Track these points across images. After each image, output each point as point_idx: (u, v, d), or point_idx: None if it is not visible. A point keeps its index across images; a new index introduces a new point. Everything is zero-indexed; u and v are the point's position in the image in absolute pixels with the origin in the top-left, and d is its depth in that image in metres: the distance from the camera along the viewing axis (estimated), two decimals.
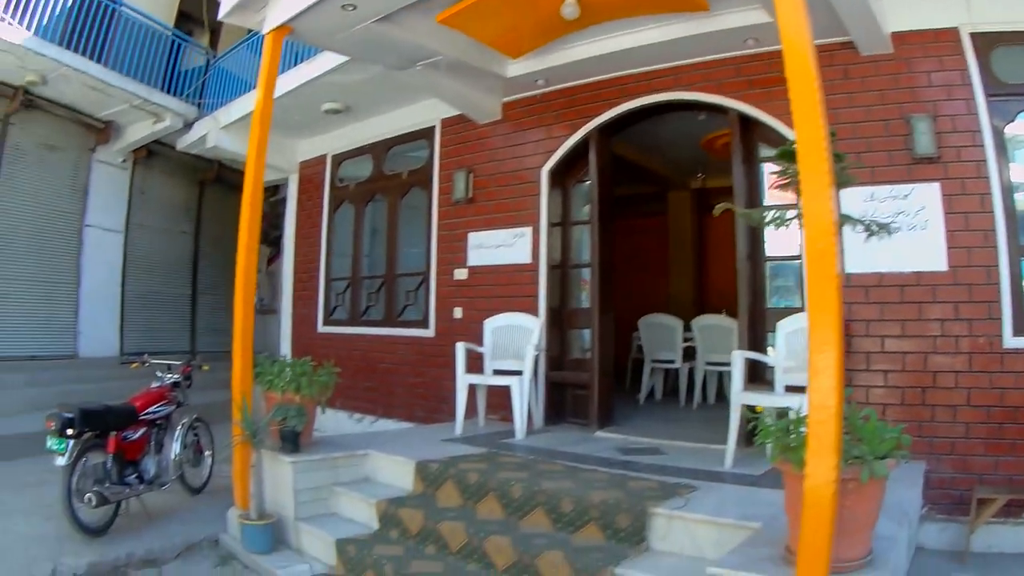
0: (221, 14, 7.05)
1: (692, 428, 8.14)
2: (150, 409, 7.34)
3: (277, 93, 9.62)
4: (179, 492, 7.71)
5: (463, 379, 7.84)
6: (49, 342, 12.61)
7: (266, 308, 16.17)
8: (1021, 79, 6.33)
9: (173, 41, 13.32)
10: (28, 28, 10.51)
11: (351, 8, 6.44)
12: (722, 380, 9.90)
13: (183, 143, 12.98)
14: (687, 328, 10.45)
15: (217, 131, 11.61)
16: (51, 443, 6.30)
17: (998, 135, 6.27)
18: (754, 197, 7.45)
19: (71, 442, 6.31)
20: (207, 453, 8.22)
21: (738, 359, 6.42)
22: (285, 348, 11.84)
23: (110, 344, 13.59)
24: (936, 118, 6.49)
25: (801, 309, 6.65)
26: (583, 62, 7.93)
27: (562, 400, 8.40)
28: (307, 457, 6.50)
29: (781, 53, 6.15)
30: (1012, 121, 6.36)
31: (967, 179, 6.26)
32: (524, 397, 7.61)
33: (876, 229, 4.78)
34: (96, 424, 6.58)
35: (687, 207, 14.24)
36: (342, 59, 8.32)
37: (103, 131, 13.28)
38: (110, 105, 12.53)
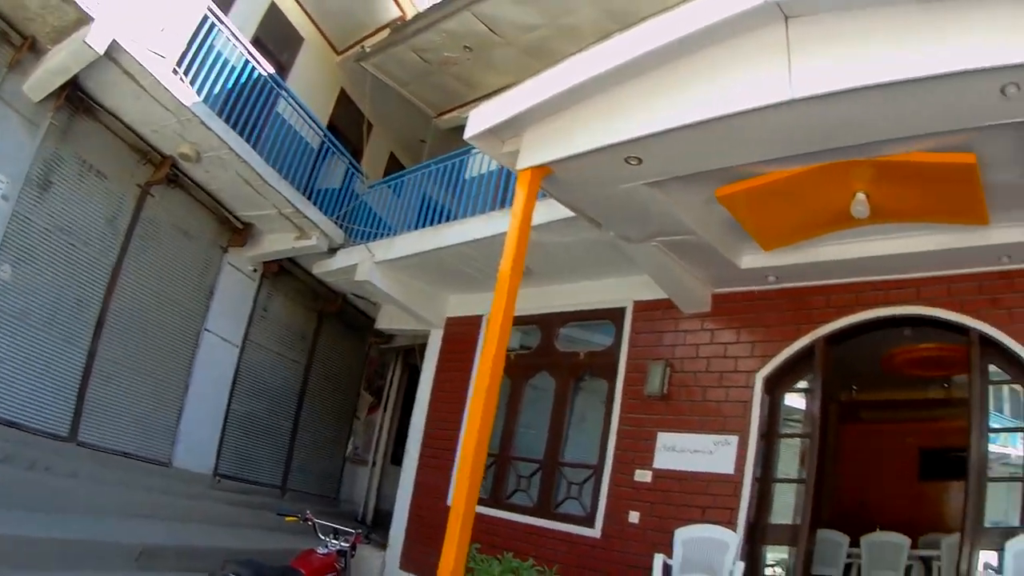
0: (468, 134, 6.56)
1: None
2: None
3: (449, 241, 9.62)
4: None
5: None
6: (145, 442, 11.71)
7: (358, 458, 16.13)
8: None
9: (320, 152, 12.57)
10: (198, 92, 9.77)
11: (635, 162, 5.99)
12: None
13: (322, 268, 12.41)
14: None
15: (370, 264, 10.98)
16: None
17: None
18: (984, 414, 7.30)
19: None
20: None
21: None
22: (401, 514, 11.13)
23: (206, 460, 12.83)
24: None
25: (1015, 527, 6.87)
26: (825, 263, 7.60)
27: None
28: None
29: None
30: None
31: None
32: None
33: None
34: None
35: (833, 418, 13.58)
36: (554, 215, 7.81)
37: (240, 232, 12.55)
38: (257, 206, 11.79)
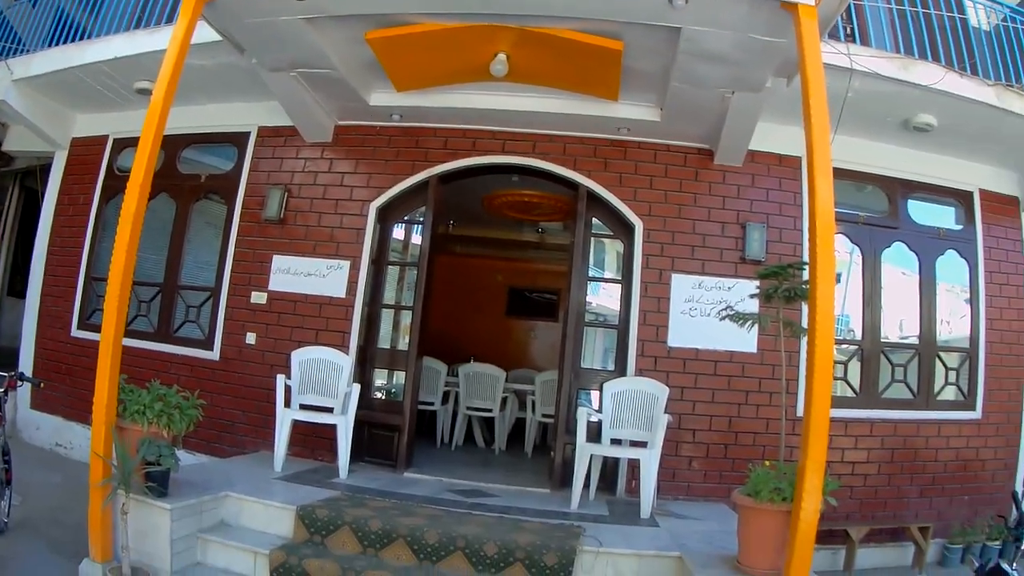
0: None
1: (488, 471, 8.86)
2: None
3: (91, 58, 8.99)
4: None
5: (285, 414, 7.46)
6: None
7: None
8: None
9: None
10: None
11: None
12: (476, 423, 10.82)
13: None
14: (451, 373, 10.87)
15: (8, 83, 9.70)
16: None
17: None
18: (585, 262, 8.36)
19: None
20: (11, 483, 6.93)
21: (583, 416, 7.19)
22: (28, 349, 10.41)
23: None
24: (768, 228, 8.06)
25: (613, 371, 8.15)
26: (451, 109, 8.04)
27: (359, 439, 8.12)
28: (182, 502, 5.85)
29: (641, 144, 8.24)
30: None
31: None
32: (349, 437, 7.49)
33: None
34: None
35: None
36: (199, 39, 7.13)
37: None
38: None
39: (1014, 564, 3.96)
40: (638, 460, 7.00)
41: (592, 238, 8.50)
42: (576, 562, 5.51)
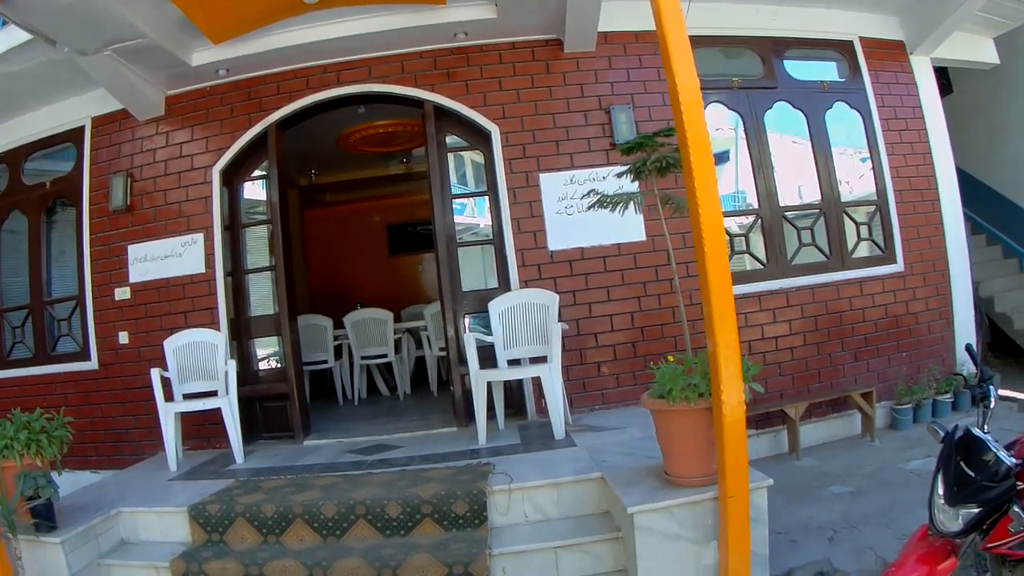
0: None
1: (393, 421, 8.36)
2: None
3: None
4: None
5: (167, 409, 6.97)
6: None
7: None
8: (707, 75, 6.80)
9: None
10: None
11: None
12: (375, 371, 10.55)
13: None
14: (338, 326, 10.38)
15: None
16: None
17: None
18: (445, 181, 7.74)
19: None
20: None
21: (471, 342, 6.73)
22: None
23: None
24: (634, 109, 7.56)
25: (498, 289, 7.57)
26: (276, 51, 7.45)
27: (252, 416, 7.68)
28: (73, 530, 5.35)
29: (483, 47, 7.66)
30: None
31: None
32: (236, 418, 6.99)
33: None
34: None
35: (296, 204, 13.49)
36: (11, 43, 7.16)
37: None
38: None
39: (985, 427, 3.33)
40: (540, 378, 6.47)
41: (450, 154, 7.92)
42: (489, 505, 5.14)
